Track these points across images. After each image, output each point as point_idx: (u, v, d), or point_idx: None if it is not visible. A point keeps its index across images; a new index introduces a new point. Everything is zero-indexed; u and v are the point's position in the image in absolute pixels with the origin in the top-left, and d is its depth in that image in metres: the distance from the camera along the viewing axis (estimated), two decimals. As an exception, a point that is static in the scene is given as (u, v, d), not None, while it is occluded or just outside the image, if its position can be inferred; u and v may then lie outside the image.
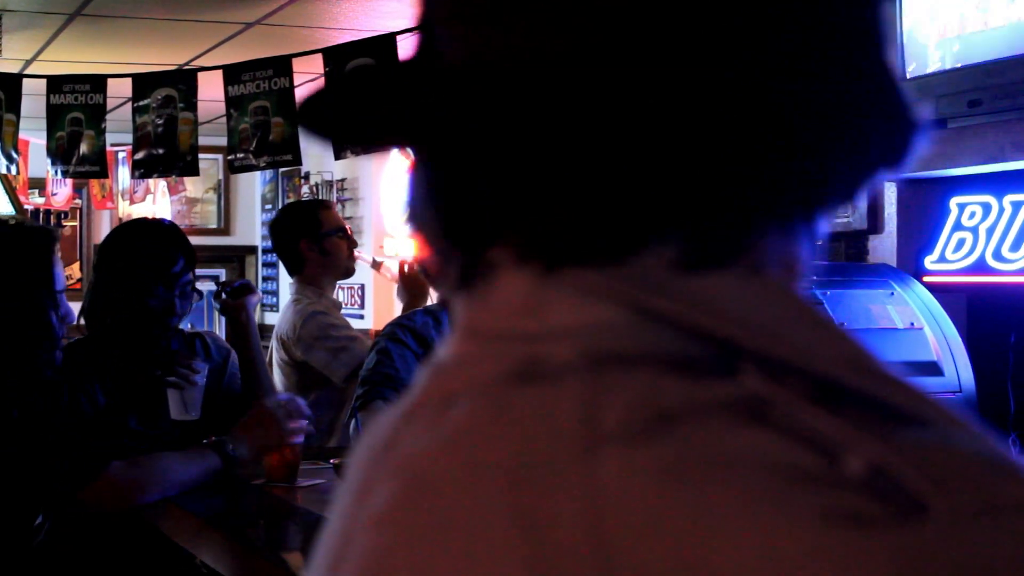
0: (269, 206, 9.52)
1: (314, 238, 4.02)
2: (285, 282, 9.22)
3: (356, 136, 0.60)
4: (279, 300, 9.36)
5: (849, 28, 0.55)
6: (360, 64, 4.34)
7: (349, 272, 4.08)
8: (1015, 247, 3.02)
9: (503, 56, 0.53)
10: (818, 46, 0.54)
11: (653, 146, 0.51)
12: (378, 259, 4.56)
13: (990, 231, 3.09)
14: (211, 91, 5.00)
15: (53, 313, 2.59)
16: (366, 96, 0.56)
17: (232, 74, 4.84)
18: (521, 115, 0.53)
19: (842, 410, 0.48)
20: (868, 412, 0.48)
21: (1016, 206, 3.03)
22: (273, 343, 4.08)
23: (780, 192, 0.53)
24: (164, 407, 3.00)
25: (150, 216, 8.61)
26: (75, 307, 2.76)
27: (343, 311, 4.30)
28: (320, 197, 8.46)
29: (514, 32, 0.53)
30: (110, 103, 5.20)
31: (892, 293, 3.04)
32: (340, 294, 8.31)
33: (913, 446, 0.47)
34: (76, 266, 9.28)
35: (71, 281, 8.02)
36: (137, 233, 3.11)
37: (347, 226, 4.17)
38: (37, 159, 6.12)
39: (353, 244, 4.13)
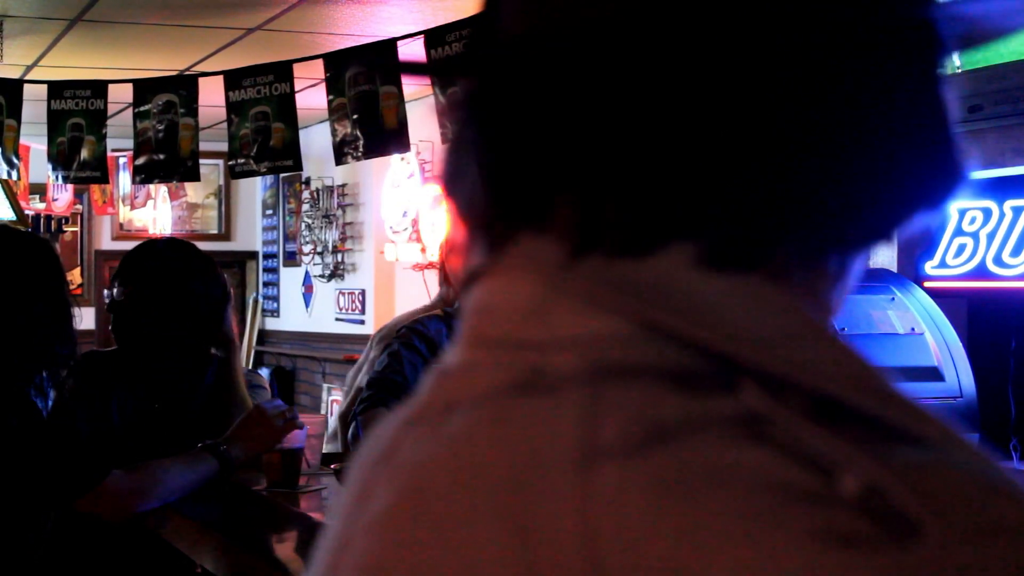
0: (270, 211, 9.52)
1: None
2: (285, 287, 9.24)
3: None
4: (279, 305, 9.35)
5: (914, 68, 0.55)
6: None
7: None
8: (1016, 252, 3.02)
9: (559, 24, 0.54)
10: (879, 78, 0.53)
11: (698, 141, 0.52)
12: None
13: (991, 236, 3.09)
14: (212, 96, 5.01)
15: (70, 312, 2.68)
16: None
17: (233, 79, 4.84)
18: (574, 88, 0.53)
19: (840, 428, 0.48)
20: (867, 431, 0.48)
21: (1017, 211, 3.03)
22: None
23: (811, 214, 0.53)
24: (161, 414, 3.00)
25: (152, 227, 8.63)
26: (77, 312, 2.76)
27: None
28: (320, 203, 8.47)
29: (577, 3, 0.54)
30: (111, 108, 5.20)
31: (893, 298, 3.04)
32: (341, 299, 8.31)
33: (910, 467, 0.47)
34: (77, 271, 9.28)
35: (73, 286, 8.01)
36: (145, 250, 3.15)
37: None
38: (38, 165, 6.13)
39: None
